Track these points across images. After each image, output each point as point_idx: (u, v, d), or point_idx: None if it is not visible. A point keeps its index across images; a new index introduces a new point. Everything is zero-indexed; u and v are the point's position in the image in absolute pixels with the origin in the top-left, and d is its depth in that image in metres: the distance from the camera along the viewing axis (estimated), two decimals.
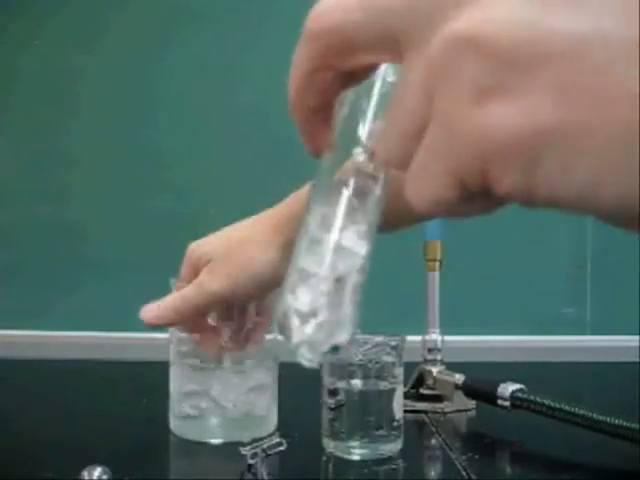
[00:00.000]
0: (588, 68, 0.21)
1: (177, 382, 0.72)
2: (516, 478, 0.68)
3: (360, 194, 0.30)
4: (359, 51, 0.27)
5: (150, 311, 0.65)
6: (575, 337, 1.16)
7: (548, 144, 0.22)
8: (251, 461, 0.62)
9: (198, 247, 0.66)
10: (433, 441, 0.74)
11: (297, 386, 0.72)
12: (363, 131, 0.31)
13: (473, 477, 0.63)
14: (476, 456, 0.68)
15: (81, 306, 1.14)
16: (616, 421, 0.65)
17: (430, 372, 0.85)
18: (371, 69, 0.29)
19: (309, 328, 0.27)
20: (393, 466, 0.66)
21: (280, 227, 0.62)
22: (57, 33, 1.16)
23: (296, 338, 0.27)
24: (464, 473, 0.64)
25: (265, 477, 0.62)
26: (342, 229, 0.29)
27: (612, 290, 1.17)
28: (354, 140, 0.31)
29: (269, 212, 0.65)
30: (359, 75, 0.29)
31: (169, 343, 0.73)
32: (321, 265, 0.28)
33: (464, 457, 0.68)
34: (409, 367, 0.78)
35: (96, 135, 1.17)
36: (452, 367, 0.85)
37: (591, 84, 0.21)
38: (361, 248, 0.29)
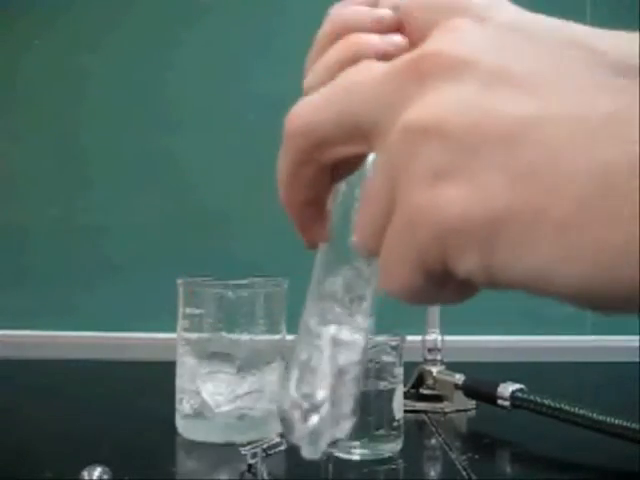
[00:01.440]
0: (536, 149, 0.22)
1: (178, 380, 0.73)
2: (516, 478, 0.68)
3: (356, 289, 0.31)
4: (333, 145, 0.28)
5: None
6: (575, 337, 1.15)
7: (502, 228, 0.22)
8: (251, 461, 0.62)
9: None
10: (433, 441, 0.74)
11: None
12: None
13: (473, 477, 0.63)
14: (476, 456, 0.68)
15: (81, 306, 1.14)
16: (616, 421, 0.65)
17: (430, 372, 0.85)
18: (355, 162, 0.30)
19: (311, 423, 0.28)
20: (393, 466, 0.66)
21: None
22: (64, 33, 1.16)
23: (298, 433, 0.28)
24: (464, 473, 0.64)
25: (265, 477, 0.62)
26: (340, 323, 0.30)
27: None
28: (349, 231, 0.31)
29: None
30: (345, 168, 0.30)
31: (176, 342, 0.73)
32: (321, 360, 0.29)
33: (464, 457, 0.68)
34: (409, 367, 0.78)
35: (106, 136, 1.16)
36: (452, 367, 0.85)
37: (541, 165, 0.21)
38: (359, 341, 0.30)
